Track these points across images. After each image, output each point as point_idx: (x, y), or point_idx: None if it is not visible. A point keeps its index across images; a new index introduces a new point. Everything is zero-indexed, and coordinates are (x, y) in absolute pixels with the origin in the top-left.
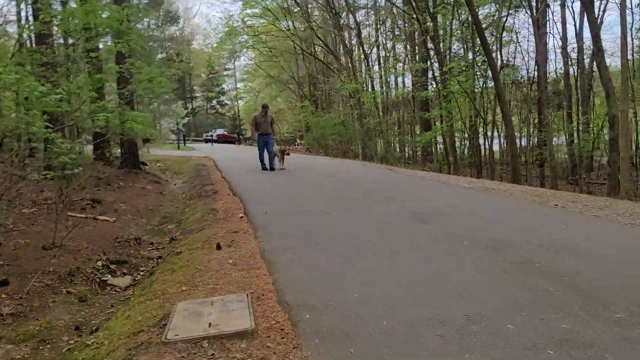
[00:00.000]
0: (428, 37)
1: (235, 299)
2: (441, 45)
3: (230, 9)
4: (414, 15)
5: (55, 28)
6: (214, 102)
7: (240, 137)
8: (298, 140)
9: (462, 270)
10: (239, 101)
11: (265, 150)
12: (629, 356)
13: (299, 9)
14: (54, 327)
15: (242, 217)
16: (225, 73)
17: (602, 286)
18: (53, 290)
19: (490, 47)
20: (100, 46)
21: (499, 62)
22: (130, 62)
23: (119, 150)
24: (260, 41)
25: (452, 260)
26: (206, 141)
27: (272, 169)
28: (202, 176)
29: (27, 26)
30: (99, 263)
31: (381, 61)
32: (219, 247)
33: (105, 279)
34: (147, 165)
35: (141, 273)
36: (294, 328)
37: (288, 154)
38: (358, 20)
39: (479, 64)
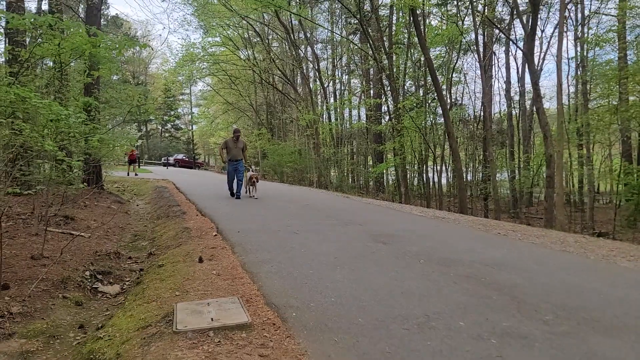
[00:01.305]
0: (384, 75)
1: (229, 301)
2: (396, 82)
3: (192, 36)
4: (370, 53)
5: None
6: (169, 125)
7: (196, 161)
8: (253, 167)
9: (419, 281)
10: (194, 126)
11: (235, 177)
12: (552, 345)
13: (259, 39)
14: (59, 325)
15: (216, 235)
16: (181, 97)
17: (534, 295)
18: (50, 295)
19: (441, 86)
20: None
21: (449, 101)
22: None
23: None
24: (220, 69)
25: (411, 273)
26: (164, 165)
27: (238, 197)
28: (165, 198)
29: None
30: (87, 273)
31: (337, 94)
32: (201, 260)
33: (96, 286)
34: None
35: (127, 282)
36: (284, 323)
37: (256, 181)
38: (316, 54)
39: (430, 102)
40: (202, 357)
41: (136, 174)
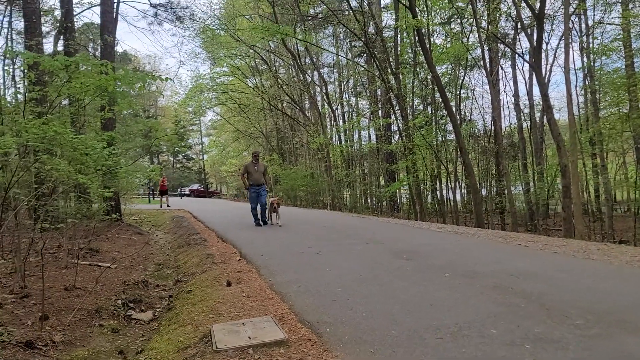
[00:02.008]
0: (392, 95)
1: (263, 320)
2: (404, 101)
3: (200, 68)
4: (377, 73)
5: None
6: (180, 156)
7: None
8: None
9: (446, 292)
10: (204, 155)
11: (257, 203)
12: (585, 346)
13: (266, 66)
14: (99, 352)
15: (240, 259)
16: (191, 128)
17: (562, 301)
18: (87, 324)
19: (450, 102)
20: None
21: (458, 117)
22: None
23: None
24: (229, 98)
25: (437, 286)
26: (181, 196)
27: (264, 223)
28: (184, 227)
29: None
30: (119, 302)
31: (345, 117)
32: (229, 284)
33: (129, 314)
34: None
35: (158, 309)
36: (320, 338)
37: (278, 207)
38: (324, 77)
39: (438, 119)
40: None
41: (168, 205)
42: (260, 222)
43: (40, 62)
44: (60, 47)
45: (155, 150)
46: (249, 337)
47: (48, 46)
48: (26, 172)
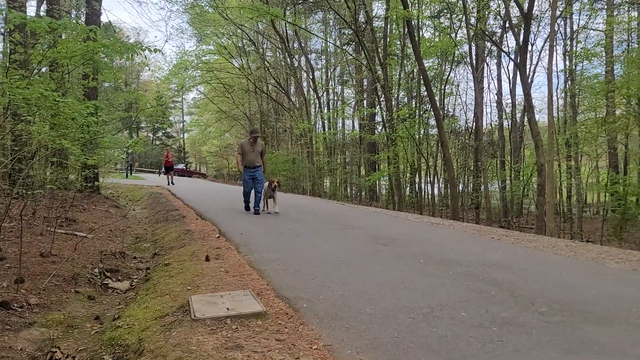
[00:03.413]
0: (379, 85)
1: (241, 294)
2: (390, 93)
3: (186, 44)
4: (365, 62)
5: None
6: (160, 133)
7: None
8: None
9: (421, 278)
10: (185, 134)
11: (252, 187)
12: (548, 331)
13: (254, 47)
14: (75, 317)
15: (218, 237)
16: (172, 105)
17: (530, 291)
18: (63, 289)
19: (434, 96)
20: None
21: (442, 112)
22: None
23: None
24: (214, 77)
25: (412, 271)
26: (159, 173)
27: (257, 212)
28: (162, 203)
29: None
30: (96, 270)
31: (330, 104)
32: (207, 259)
33: (106, 282)
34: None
35: (135, 280)
36: (297, 312)
37: (278, 187)
38: (311, 63)
39: (422, 112)
40: (222, 341)
41: (173, 183)
42: (253, 208)
43: (27, 23)
44: (42, 13)
45: (134, 125)
46: (227, 309)
47: (31, 9)
48: (6, 135)
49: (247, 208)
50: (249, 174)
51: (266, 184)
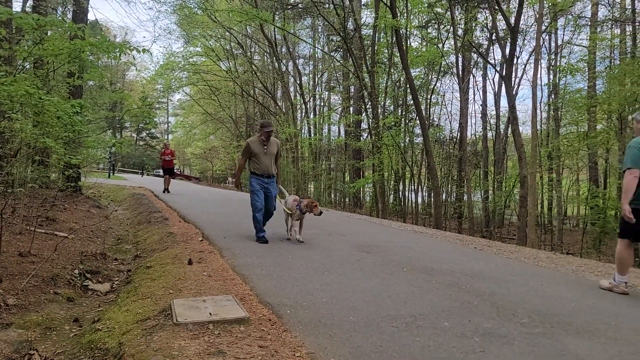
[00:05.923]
0: (365, 92)
1: (224, 299)
2: (377, 100)
3: (174, 45)
4: (352, 70)
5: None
6: (144, 134)
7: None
8: (230, 179)
9: (404, 286)
10: (169, 135)
11: (263, 207)
12: (529, 343)
13: (241, 51)
14: (54, 318)
15: (202, 240)
16: (158, 106)
17: (511, 301)
18: (41, 290)
19: (421, 105)
20: None
21: (427, 121)
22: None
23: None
24: (201, 79)
25: (395, 279)
26: (142, 174)
27: (263, 239)
28: (145, 204)
29: None
30: (76, 271)
31: (317, 110)
32: (190, 262)
33: (86, 284)
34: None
35: (116, 282)
36: (280, 319)
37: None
38: (299, 68)
39: (408, 121)
40: (205, 347)
41: (169, 191)
42: (256, 235)
43: (13, 19)
44: (28, 9)
45: (118, 125)
46: (210, 314)
47: (17, 4)
48: None
49: (263, 238)
50: (262, 185)
51: (290, 199)
